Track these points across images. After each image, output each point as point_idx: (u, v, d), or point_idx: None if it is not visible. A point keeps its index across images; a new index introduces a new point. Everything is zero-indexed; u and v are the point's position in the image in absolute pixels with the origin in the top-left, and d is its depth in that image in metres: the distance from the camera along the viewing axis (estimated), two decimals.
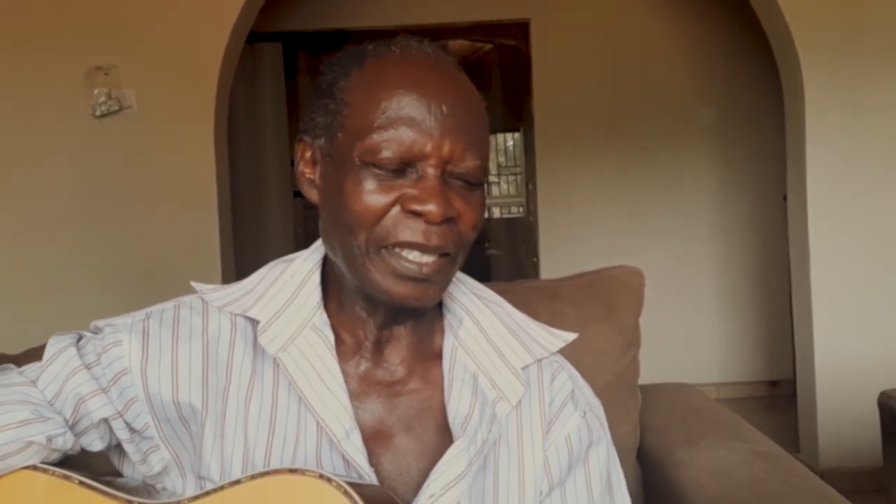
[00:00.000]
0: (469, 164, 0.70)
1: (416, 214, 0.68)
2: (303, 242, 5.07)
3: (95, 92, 2.87)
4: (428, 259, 0.70)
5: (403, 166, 0.69)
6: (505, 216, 7.73)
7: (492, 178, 8.32)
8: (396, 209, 0.69)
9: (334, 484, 0.60)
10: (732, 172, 4.18)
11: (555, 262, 4.15)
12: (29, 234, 2.90)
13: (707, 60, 4.14)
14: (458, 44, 6.14)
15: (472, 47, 6.42)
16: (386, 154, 0.68)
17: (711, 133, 4.18)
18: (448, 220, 0.69)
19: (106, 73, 2.88)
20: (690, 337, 4.19)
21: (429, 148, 0.68)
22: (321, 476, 0.60)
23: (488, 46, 6.28)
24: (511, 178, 7.97)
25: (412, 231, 0.69)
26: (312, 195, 0.76)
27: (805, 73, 2.82)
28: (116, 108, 2.88)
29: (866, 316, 2.89)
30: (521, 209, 6.10)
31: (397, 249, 0.69)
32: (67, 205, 2.89)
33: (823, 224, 2.87)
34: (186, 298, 0.80)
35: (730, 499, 0.96)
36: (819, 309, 2.88)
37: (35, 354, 0.80)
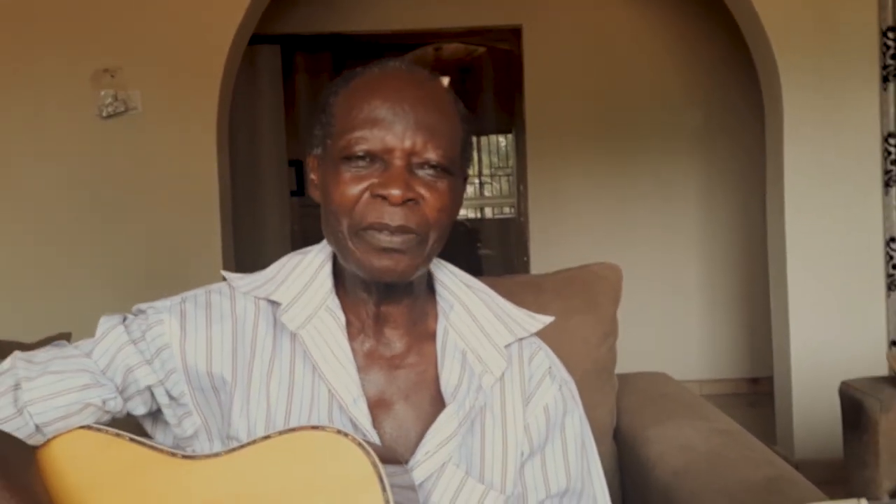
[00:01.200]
0: (431, 154, 0.82)
1: (383, 198, 0.81)
2: (299, 240, 5.15)
3: (102, 93, 2.97)
4: (396, 238, 0.82)
5: (373, 160, 0.82)
6: (497, 216, 7.86)
7: (484, 179, 8.44)
8: (367, 195, 0.82)
9: (350, 438, 0.72)
10: (718, 174, 4.32)
11: (544, 260, 4.27)
12: (36, 232, 3.00)
13: (693, 64, 4.27)
14: (452, 47, 6.27)
15: (466, 50, 6.54)
16: (357, 149, 0.82)
17: (697, 135, 4.31)
18: (410, 202, 0.82)
19: (112, 76, 2.98)
20: (676, 334, 4.32)
21: (392, 142, 0.82)
22: (339, 432, 0.72)
23: (482, 50, 6.41)
24: (504, 178, 8.09)
25: (378, 213, 0.81)
26: (317, 196, 0.90)
27: (782, 75, 2.96)
28: (122, 109, 2.98)
29: (841, 311, 3.02)
30: (512, 209, 6.23)
31: (370, 231, 0.82)
32: (74, 204, 2.99)
33: (800, 221, 3.00)
34: (215, 285, 0.92)
35: (691, 469, 1.09)
36: (795, 305, 3.01)
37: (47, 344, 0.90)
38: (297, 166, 5.04)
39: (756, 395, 4.21)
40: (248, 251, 3.91)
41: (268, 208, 4.55)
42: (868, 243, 3.02)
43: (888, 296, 3.01)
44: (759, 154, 3.42)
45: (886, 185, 2.98)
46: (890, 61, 2.93)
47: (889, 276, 3.00)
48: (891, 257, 2.98)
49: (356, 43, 4.72)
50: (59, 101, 2.97)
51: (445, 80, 0.92)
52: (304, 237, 4.84)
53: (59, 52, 2.96)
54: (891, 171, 2.95)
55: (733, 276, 4.34)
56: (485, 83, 6.80)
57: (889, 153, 2.95)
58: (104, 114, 2.97)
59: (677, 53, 4.27)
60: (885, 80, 2.95)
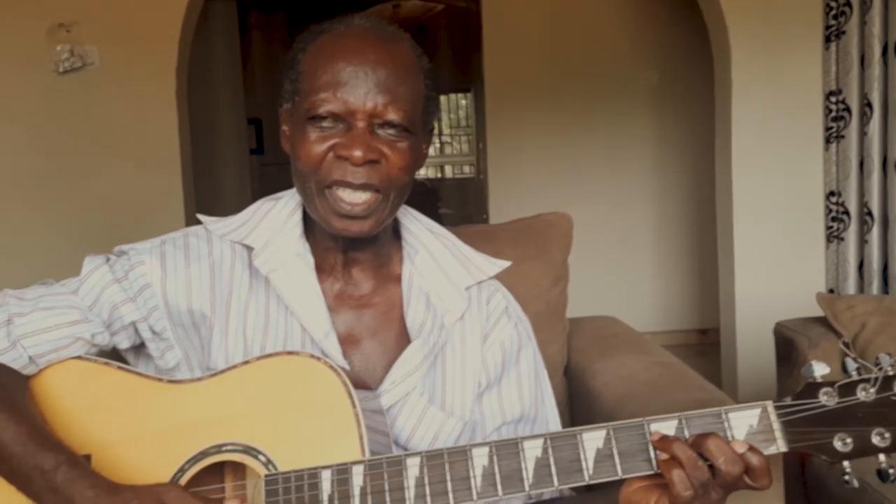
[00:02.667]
0: (392, 116, 0.87)
1: (345, 158, 0.87)
2: (259, 199, 5.13)
3: (58, 48, 2.93)
4: (358, 198, 0.88)
5: (337, 120, 0.87)
6: (457, 176, 7.91)
7: (445, 139, 8.46)
8: (331, 155, 0.88)
9: (322, 361, 0.80)
10: (669, 132, 4.44)
11: (503, 219, 4.33)
12: None
13: (647, 27, 4.35)
14: (410, 4, 6.24)
15: (424, 7, 6.51)
16: (321, 110, 0.87)
17: (650, 95, 4.41)
18: (372, 162, 0.87)
19: (68, 30, 2.94)
20: (629, 288, 4.47)
21: (355, 104, 0.87)
22: (312, 356, 0.80)
23: (440, 7, 6.39)
24: (464, 138, 8.12)
25: (341, 171, 0.87)
26: (287, 148, 0.95)
27: (731, 35, 3.06)
28: (79, 64, 2.95)
29: (784, 262, 3.16)
30: (472, 168, 6.30)
31: (333, 188, 0.88)
32: (32, 160, 2.96)
33: (746, 176, 3.12)
34: (192, 229, 0.99)
35: (632, 395, 1.19)
36: (741, 256, 3.15)
37: None
38: (257, 125, 5.02)
39: (705, 346, 4.40)
40: (206, 209, 3.90)
41: (227, 167, 4.53)
42: (809, 197, 3.16)
43: (827, 247, 3.17)
44: (708, 113, 3.53)
45: (827, 141, 3.11)
46: (832, 21, 3.04)
47: (828, 228, 3.15)
48: (830, 210, 3.14)
49: (311, 0, 4.68)
50: (14, 57, 2.92)
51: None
52: (263, 196, 4.81)
53: (14, 5, 2.91)
54: (831, 127, 3.09)
55: (684, 231, 4.49)
56: (443, 42, 6.80)
57: (830, 111, 3.08)
58: (60, 69, 2.94)
59: (632, 16, 4.34)
60: (827, 39, 3.07)
